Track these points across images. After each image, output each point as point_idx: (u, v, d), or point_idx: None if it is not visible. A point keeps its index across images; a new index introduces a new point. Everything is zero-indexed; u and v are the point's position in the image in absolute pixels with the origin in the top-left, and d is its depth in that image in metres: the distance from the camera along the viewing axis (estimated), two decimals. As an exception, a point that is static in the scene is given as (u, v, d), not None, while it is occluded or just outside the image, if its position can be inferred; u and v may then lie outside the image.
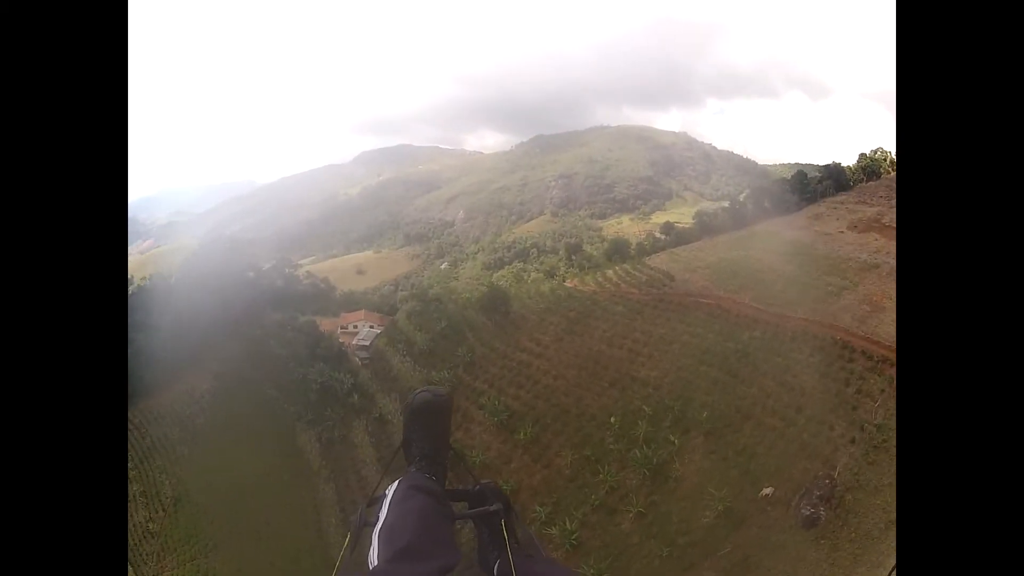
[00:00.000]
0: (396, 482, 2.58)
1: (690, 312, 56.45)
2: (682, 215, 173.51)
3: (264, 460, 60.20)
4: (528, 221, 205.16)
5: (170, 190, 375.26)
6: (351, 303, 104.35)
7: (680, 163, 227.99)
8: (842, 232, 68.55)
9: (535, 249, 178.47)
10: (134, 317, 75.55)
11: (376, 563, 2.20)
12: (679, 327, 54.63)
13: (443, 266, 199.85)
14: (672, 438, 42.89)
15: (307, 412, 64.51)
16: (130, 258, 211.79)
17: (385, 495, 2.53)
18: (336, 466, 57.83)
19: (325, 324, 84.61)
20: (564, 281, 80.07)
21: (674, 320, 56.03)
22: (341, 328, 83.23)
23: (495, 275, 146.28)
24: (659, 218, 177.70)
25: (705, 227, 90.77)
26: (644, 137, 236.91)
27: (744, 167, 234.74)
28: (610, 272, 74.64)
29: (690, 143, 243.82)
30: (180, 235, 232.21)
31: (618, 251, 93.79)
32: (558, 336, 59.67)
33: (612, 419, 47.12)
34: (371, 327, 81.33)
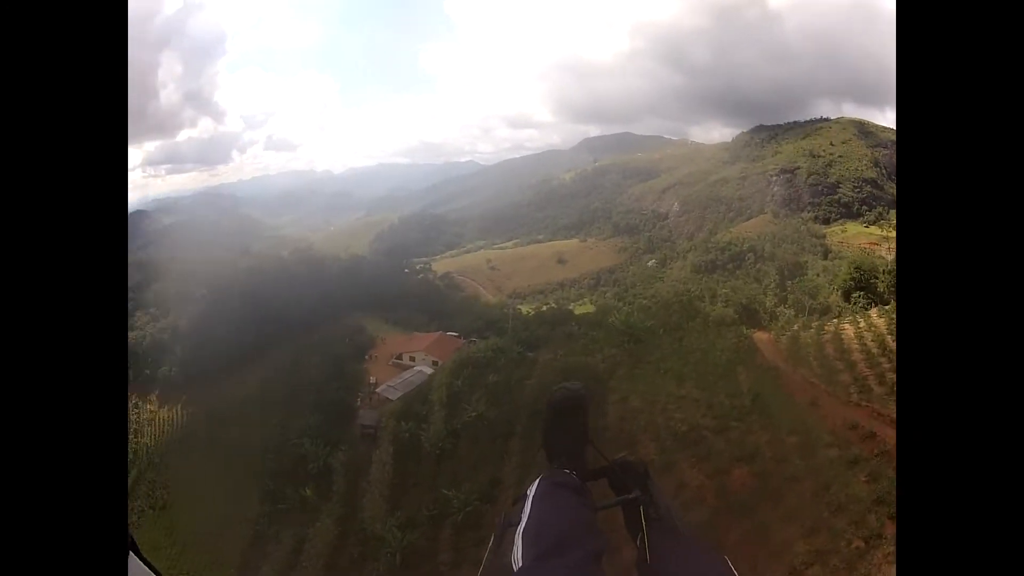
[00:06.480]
0: (537, 480, 2.40)
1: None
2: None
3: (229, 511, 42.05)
4: (747, 219, 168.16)
5: (389, 165, 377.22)
6: (470, 312, 79.37)
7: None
8: None
9: (751, 254, 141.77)
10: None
11: (521, 563, 2.01)
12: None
13: (650, 263, 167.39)
14: None
15: (273, 479, 42.17)
16: (337, 227, 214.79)
17: (527, 494, 2.32)
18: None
19: (399, 341, 60.90)
20: (770, 331, 43.52)
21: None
22: (395, 359, 56.51)
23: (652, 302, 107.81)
24: (881, 230, 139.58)
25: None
26: (866, 132, 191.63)
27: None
28: (848, 329, 35.96)
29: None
30: (390, 209, 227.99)
31: (861, 283, 51.64)
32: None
33: None
34: (433, 364, 52.26)
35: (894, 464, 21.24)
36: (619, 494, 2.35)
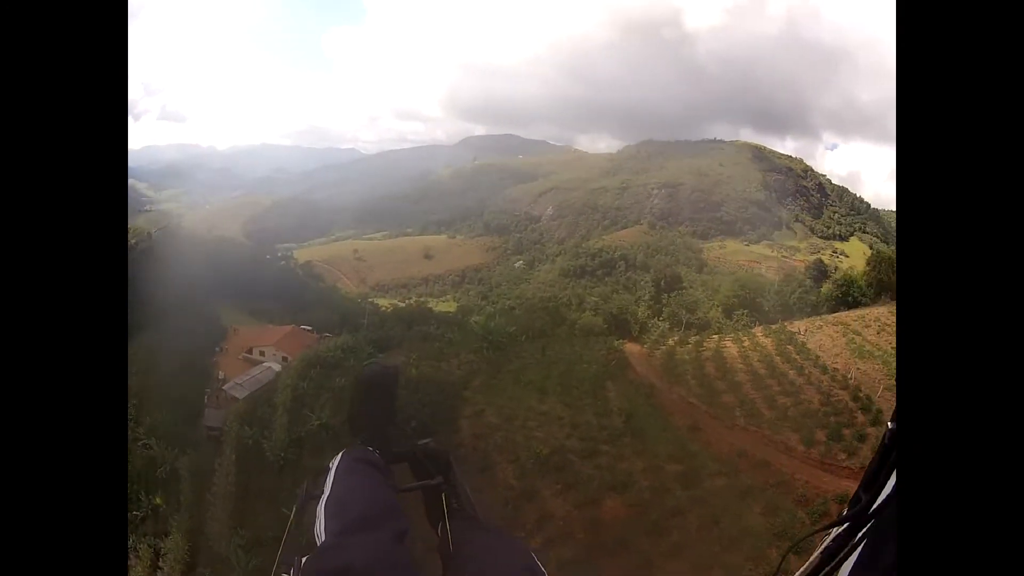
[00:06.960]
0: (339, 455, 2.38)
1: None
2: (792, 250, 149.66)
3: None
4: (622, 229, 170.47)
5: (272, 146, 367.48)
6: (327, 304, 75.71)
7: (794, 191, 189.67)
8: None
9: (623, 262, 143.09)
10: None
11: (324, 538, 2.00)
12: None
13: (518, 264, 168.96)
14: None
15: (130, 482, 36.48)
16: (213, 205, 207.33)
17: (329, 468, 2.31)
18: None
19: (251, 333, 57.80)
20: (643, 344, 40.84)
21: None
22: (245, 352, 53.34)
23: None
24: (763, 250, 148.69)
25: (886, 283, 50.83)
26: (761, 156, 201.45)
27: (857, 207, 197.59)
28: (731, 346, 33.63)
29: (807, 171, 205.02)
30: (268, 191, 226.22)
31: (745, 301, 51.50)
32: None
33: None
34: (283, 360, 49.23)
35: (793, 495, 19.57)
36: (420, 479, 2.33)
